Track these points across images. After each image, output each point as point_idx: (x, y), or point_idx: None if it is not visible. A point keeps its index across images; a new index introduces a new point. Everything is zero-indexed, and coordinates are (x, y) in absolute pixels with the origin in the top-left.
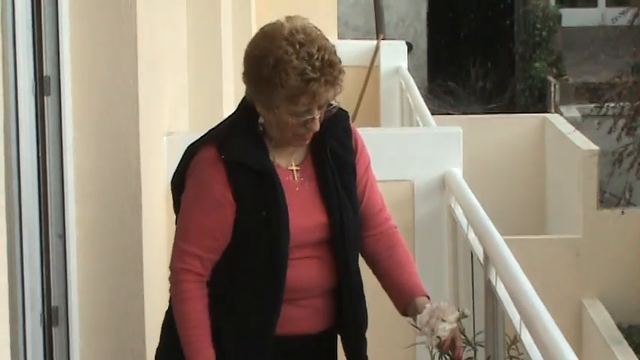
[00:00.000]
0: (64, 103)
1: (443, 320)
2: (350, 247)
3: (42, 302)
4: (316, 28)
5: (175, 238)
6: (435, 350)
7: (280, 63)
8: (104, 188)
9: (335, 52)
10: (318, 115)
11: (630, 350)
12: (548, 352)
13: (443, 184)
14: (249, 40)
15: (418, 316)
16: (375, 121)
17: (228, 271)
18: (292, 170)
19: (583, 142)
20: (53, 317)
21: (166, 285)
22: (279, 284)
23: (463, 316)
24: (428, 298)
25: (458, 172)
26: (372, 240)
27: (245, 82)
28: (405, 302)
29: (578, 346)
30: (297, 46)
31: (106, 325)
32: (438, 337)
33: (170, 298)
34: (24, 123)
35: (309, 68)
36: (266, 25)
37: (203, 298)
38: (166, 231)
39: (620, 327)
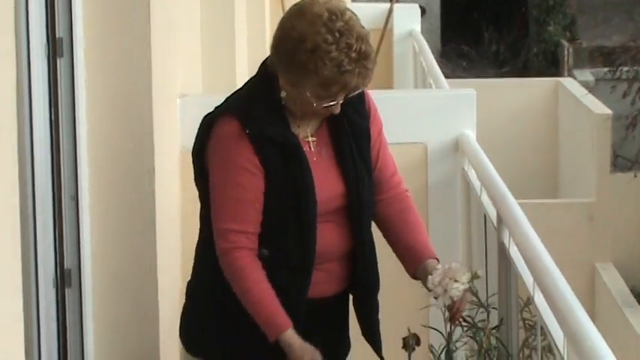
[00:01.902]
0: (77, 65)
1: (455, 281)
2: (365, 213)
3: (55, 264)
4: (352, 11)
5: (214, 220)
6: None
7: (318, 50)
8: (117, 150)
9: (369, 41)
10: (341, 100)
11: None
12: (561, 315)
13: (456, 147)
14: (285, 13)
15: (430, 277)
16: (388, 84)
17: (259, 242)
18: (309, 141)
19: (596, 105)
20: (66, 279)
21: (180, 246)
22: (310, 254)
23: (476, 276)
24: (437, 260)
25: (471, 134)
26: (384, 204)
27: (274, 55)
28: (415, 265)
29: (590, 310)
30: (337, 35)
31: (118, 287)
32: (451, 297)
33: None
34: (36, 85)
35: (346, 60)
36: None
37: (258, 268)
38: (180, 192)
39: (633, 291)
